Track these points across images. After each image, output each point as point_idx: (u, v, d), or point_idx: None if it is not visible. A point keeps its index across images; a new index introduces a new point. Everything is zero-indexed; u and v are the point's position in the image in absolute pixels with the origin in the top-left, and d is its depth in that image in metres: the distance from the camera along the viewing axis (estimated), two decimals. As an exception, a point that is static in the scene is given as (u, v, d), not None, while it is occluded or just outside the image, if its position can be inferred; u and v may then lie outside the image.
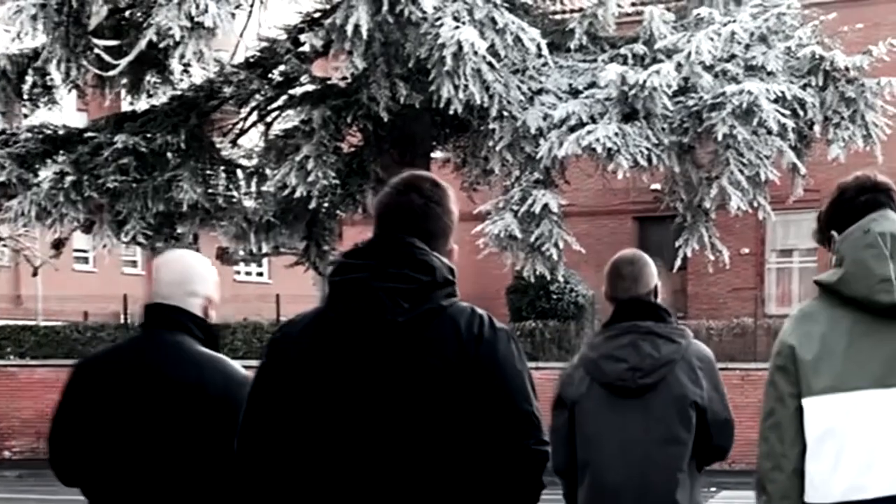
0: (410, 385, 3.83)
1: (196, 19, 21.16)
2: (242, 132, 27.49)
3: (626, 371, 5.76)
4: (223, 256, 29.20)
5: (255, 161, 26.89)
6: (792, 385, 4.19)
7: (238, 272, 42.14)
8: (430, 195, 4.08)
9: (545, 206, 22.79)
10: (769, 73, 23.45)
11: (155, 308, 4.96)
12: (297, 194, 23.39)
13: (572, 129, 22.69)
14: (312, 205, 24.18)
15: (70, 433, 4.93)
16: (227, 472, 4.38)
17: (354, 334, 3.87)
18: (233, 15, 23.30)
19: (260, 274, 43.07)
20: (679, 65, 22.60)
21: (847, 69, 23.67)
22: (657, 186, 26.66)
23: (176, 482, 4.77)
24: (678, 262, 24.82)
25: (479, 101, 22.10)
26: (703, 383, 5.79)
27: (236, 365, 4.95)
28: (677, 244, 24.66)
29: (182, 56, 21.75)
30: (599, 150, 22.24)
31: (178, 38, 21.37)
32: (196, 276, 5.03)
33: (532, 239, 22.95)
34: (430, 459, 3.84)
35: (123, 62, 22.43)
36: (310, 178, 23.05)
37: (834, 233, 4.30)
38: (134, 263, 40.61)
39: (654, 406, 5.75)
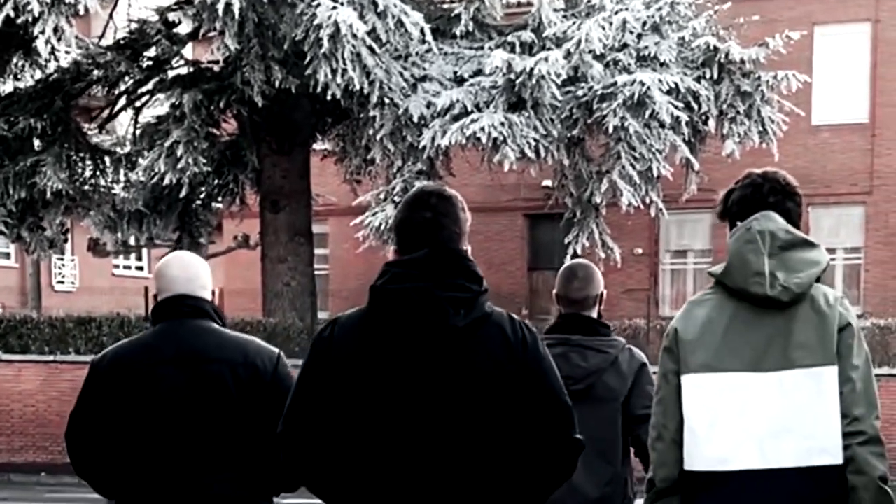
0: (468, 383, 4.16)
1: (56, -6, 19.98)
2: (111, 117, 26.37)
3: None
4: (95, 248, 28.00)
5: (128, 149, 25.74)
6: (674, 363, 4.53)
7: (117, 265, 40.66)
8: (437, 208, 4.28)
9: (428, 197, 21.74)
10: (662, 64, 22.73)
11: (179, 299, 5.10)
12: (167, 181, 22.29)
13: (456, 118, 21.80)
14: (184, 193, 23.08)
15: (104, 425, 5.00)
16: (272, 444, 4.59)
17: (418, 337, 4.15)
18: (103, -1, 22.16)
19: (140, 268, 41.52)
20: (568, 53, 21.81)
21: (743, 62, 23.01)
22: (548, 183, 25.82)
23: (227, 459, 4.96)
24: (568, 260, 23.91)
25: (358, 87, 21.13)
26: (628, 382, 6.23)
27: (263, 342, 5.24)
28: (567, 240, 23.84)
29: (42, 32, 20.46)
30: (484, 139, 21.37)
31: (36, 14, 20.18)
32: (204, 271, 5.25)
33: (414, 232, 21.91)
34: (482, 449, 4.18)
35: (-19, 38, 21.14)
36: (179, 165, 21.92)
37: (738, 223, 4.62)
38: (7, 255, 39.10)
39: (584, 410, 5.65)
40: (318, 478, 4.31)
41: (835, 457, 4.36)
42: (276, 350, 5.17)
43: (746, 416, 4.41)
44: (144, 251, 36.13)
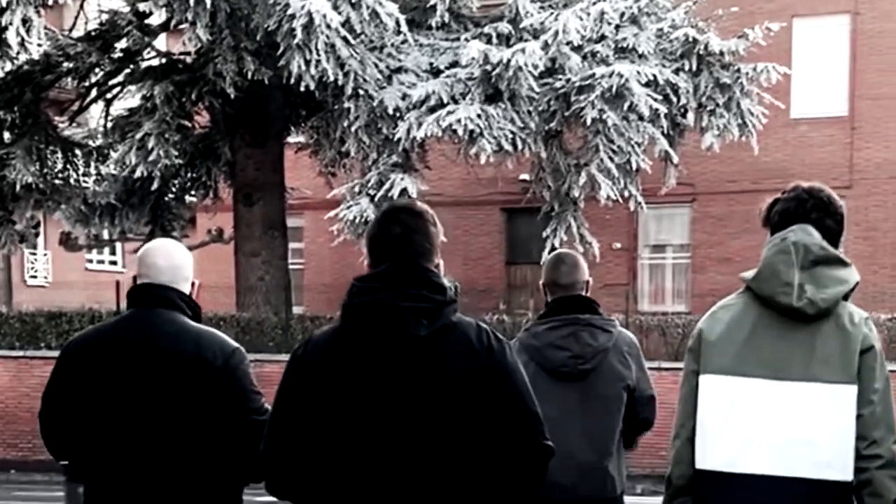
0: (433, 392, 4.23)
1: (25, -17, 19.67)
2: (81, 109, 26.01)
3: (568, 359, 6.44)
4: (67, 242, 27.65)
5: (100, 142, 25.44)
6: (696, 363, 4.68)
7: (91, 260, 40.25)
8: (408, 224, 4.42)
9: (403, 190, 21.52)
10: (640, 56, 22.47)
11: (151, 288, 5.19)
12: (138, 174, 21.93)
13: (432, 110, 21.49)
14: (155, 186, 22.70)
15: (66, 408, 5.12)
16: (227, 439, 4.97)
17: (382, 347, 4.26)
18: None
19: (113, 262, 41.16)
20: (546, 44, 21.50)
21: (722, 54, 22.76)
22: (526, 176, 25.53)
23: (176, 451, 4.99)
24: (545, 254, 23.66)
25: (332, 78, 20.81)
26: (632, 365, 6.51)
27: (227, 336, 5.23)
28: (545, 234, 23.54)
29: (11, 23, 20.13)
30: (461, 132, 21.05)
31: (4, 4, 19.87)
32: (188, 262, 5.34)
33: (389, 226, 21.57)
34: (450, 457, 4.24)
35: (-52, 29, 20.76)
36: (151, 158, 21.59)
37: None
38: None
39: (591, 388, 6.43)
40: (301, 493, 4.42)
41: (841, 473, 4.48)
42: (234, 345, 5.17)
43: (760, 421, 4.55)
44: (118, 246, 35.76)
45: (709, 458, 4.61)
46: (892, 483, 4.49)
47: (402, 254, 4.36)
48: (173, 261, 5.25)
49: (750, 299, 4.69)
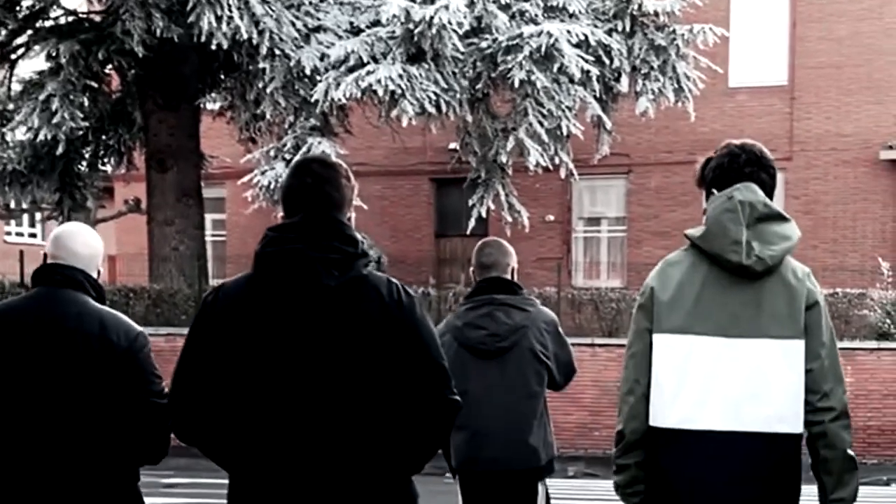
0: (342, 342, 4.34)
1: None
2: (-17, 71, 24.81)
3: (485, 336, 6.88)
4: (-25, 213, 26.59)
5: (10, 106, 24.31)
6: (648, 321, 4.76)
7: (9, 232, 39.35)
8: (320, 175, 4.50)
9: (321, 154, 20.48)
10: (571, 15, 21.63)
11: (59, 268, 5.18)
12: (41, 137, 20.85)
13: (351, 70, 20.52)
14: (61, 151, 21.56)
15: None
16: (126, 421, 4.95)
17: (293, 297, 4.36)
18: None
19: (33, 235, 40.08)
20: (471, 2, 20.66)
21: (656, 14, 21.97)
22: (455, 146, 24.60)
23: (78, 429, 4.92)
24: (472, 223, 22.81)
25: (246, 37, 19.89)
26: (548, 341, 6.91)
27: (131, 321, 5.23)
28: (471, 202, 22.65)
29: None
30: (381, 92, 20.13)
31: None
32: (99, 247, 5.34)
33: (307, 192, 20.63)
34: (359, 407, 4.34)
35: None
36: (55, 120, 20.57)
37: (714, 190, 4.86)
38: None
39: (509, 365, 6.82)
40: (207, 438, 4.46)
41: (792, 426, 4.65)
42: (137, 329, 5.20)
43: (713, 378, 4.66)
44: (37, 217, 34.74)
45: (665, 416, 4.69)
46: (845, 433, 4.68)
47: (314, 205, 4.43)
48: (91, 249, 5.27)
49: (696, 256, 4.77)
